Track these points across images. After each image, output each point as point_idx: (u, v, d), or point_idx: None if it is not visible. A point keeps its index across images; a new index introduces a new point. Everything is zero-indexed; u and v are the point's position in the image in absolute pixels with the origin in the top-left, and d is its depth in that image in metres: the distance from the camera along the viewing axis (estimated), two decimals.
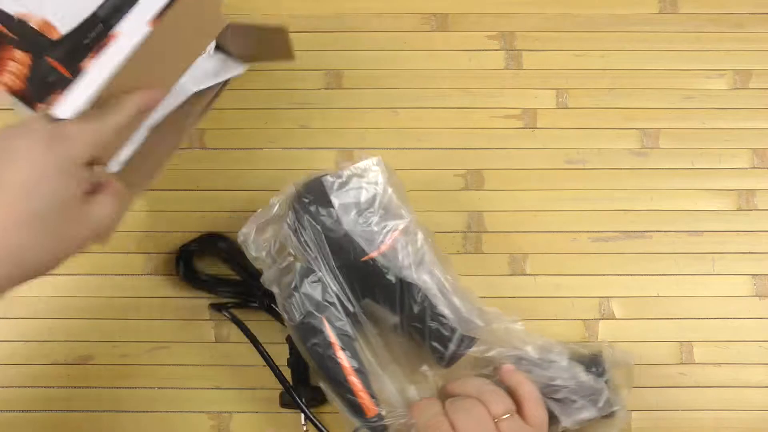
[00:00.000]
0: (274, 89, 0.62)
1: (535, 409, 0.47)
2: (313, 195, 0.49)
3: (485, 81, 0.62)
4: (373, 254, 0.49)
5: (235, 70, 0.57)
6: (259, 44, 0.57)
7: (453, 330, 0.49)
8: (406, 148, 0.61)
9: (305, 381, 0.54)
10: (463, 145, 0.61)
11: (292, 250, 0.50)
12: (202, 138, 0.61)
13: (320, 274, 0.49)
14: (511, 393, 0.48)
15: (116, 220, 0.40)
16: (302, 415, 0.53)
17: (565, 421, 0.50)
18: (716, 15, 0.64)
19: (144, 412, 0.57)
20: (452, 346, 0.49)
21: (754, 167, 0.61)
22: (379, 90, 0.62)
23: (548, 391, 0.50)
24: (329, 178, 0.49)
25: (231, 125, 0.61)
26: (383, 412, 0.49)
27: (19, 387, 0.57)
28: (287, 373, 0.54)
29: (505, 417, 0.46)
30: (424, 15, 0.64)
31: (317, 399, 0.53)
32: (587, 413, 0.50)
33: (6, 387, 0.57)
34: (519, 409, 0.47)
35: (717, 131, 0.62)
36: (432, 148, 0.61)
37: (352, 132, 0.61)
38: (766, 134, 0.61)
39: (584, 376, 0.50)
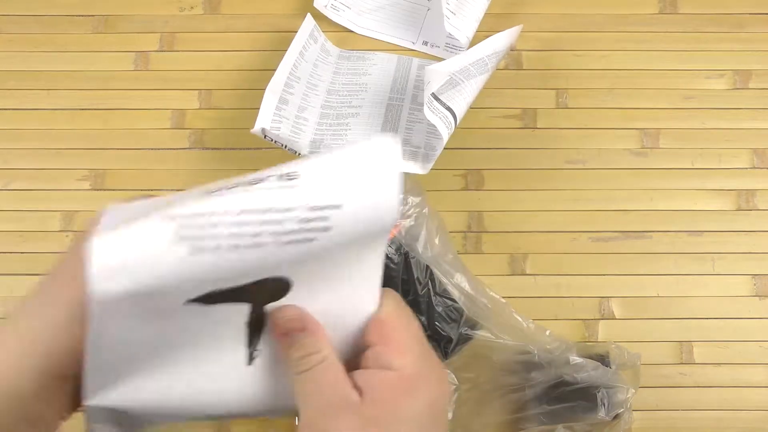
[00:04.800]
0: None
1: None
2: None
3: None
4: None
5: None
6: None
7: (460, 312, 0.49)
8: None
9: None
10: (463, 145, 0.61)
11: None
12: (202, 138, 0.61)
13: None
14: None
15: None
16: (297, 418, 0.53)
17: (573, 421, 0.50)
18: (716, 15, 0.64)
19: None
20: (459, 329, 0.49)
21: (754, 167, 0.61)
22: None
23: (559, 390, 0.49)
24: None
25: (231, 125, 0.62)
26: None
27: None
28: None
29: None
30: None
31: None
32: (595, 413, 0.50)
33: None
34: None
35: (717, 131, 0.62)
36: None
37: None
38: (766, 134, 0.61)
39: (595, 374, 0.50)
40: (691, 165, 0.61)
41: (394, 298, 0.33)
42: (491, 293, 0.51)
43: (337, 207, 0.28)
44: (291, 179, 0.28)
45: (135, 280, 0.27)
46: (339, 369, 0.31)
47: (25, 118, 0.62)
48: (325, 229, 0.28)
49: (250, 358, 0.32)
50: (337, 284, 0.31)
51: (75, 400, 0.32)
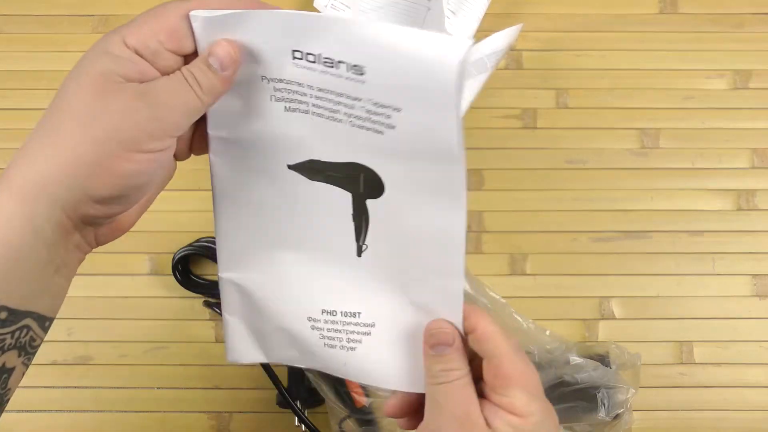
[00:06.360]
0: None
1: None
2: None
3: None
4: None
5: None
6: None
7: None
8: None
9: (301, 381, 0.54)
10: (463, 145, 0.61)
11: None
12: None
13: None
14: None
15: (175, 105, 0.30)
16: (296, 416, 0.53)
17: (573, 421, 0.50)
18: (716, 15, 0.64)
19: (144, 412, 0.57)
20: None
21: (754, 167, 0.61)
22: None
23: (558, 391, 0.49)
24: None
25: None
26: (371, 404, 0.49)
27: (19, 387, 0.57)
28: (285, 374, 0.54)
29: None
30: None
31: (313, 400, 0.53)
32: (595, 414, 0.50)
33: None
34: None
35: (717, 131, 0.62)
36: None
37: None
38: (766, 134, 0.61)
39: (596, 374, 0.50)
40: (691, 165, 0.61)
41: (510, 339, 0.34)
42: (491, 293, 0.51)
43: (397, 110, 0.31)
44: (359, 74, 0.30)
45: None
46: (473, 391, 0.33)
47: (25, 118, 0.62)
48: (390, 126, 0.31)
49: (359, 251, 0.35)
50: (420, 202, 0.33)
51: (97, 239, 0.35)
